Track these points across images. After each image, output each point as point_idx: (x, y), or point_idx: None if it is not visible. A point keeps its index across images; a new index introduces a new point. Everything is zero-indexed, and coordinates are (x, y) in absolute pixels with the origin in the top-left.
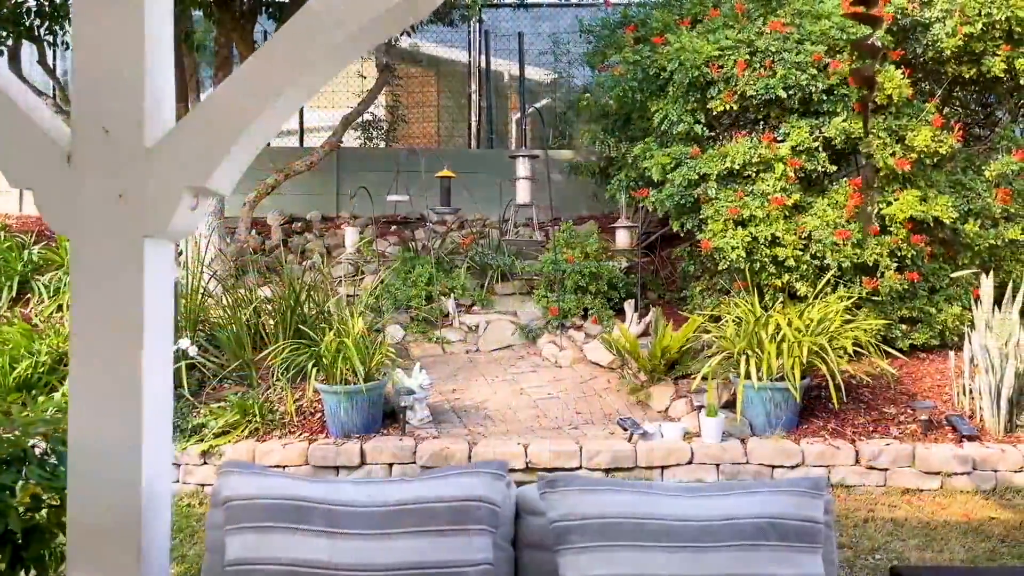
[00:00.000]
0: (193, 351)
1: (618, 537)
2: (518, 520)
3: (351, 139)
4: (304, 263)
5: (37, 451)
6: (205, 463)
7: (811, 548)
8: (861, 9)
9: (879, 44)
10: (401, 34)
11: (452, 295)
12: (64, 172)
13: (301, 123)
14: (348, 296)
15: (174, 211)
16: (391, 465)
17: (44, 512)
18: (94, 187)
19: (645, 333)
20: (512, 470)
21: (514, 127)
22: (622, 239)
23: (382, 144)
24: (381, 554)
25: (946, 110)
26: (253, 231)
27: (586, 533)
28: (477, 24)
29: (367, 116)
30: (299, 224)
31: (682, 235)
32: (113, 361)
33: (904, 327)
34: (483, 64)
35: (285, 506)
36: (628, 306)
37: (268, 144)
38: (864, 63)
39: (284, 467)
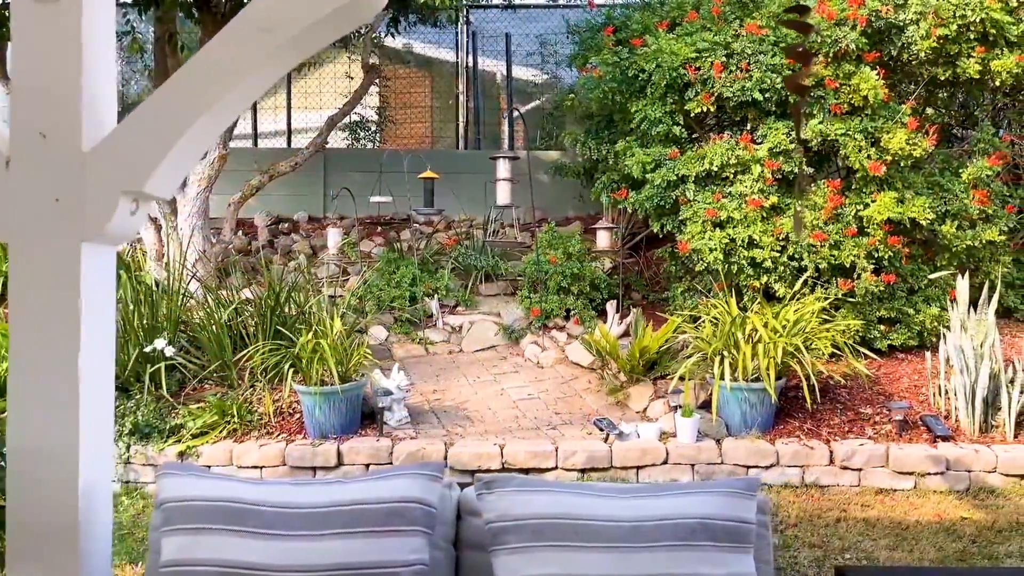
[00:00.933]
0: (169, 351)
1: (552, 538)
2: (460, 521)
3: (339, 140)
4: (288, 264)
5: None
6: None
7: (742, 548)
8: (795, 16)
9: (853, 47)
10: (386, 35)
11: (436, 296)
12: (2, 177)
13: (289, 124)
14: (331, 297)
15: (112, 215)
16: (368, 466)
17: None
18: (31, 191)
19: (626, 334)
20: (488, 470)
21: (504, 128)
22: (603, 240)
23: (370, 145)
24: (314, 555)
25: (928, 111)
26: (240, 232)
27: (521, 534)
28: (465, 25)
29: (355, 117)
30: (286, 225)
31: (662, 236)
32: (50, 365)
33: (883, 328)
34: (470, 65)
35: (220, 508)
36: (610, 307)
37: (256, 145)
38: (799, 70)
39: (261, 468)
